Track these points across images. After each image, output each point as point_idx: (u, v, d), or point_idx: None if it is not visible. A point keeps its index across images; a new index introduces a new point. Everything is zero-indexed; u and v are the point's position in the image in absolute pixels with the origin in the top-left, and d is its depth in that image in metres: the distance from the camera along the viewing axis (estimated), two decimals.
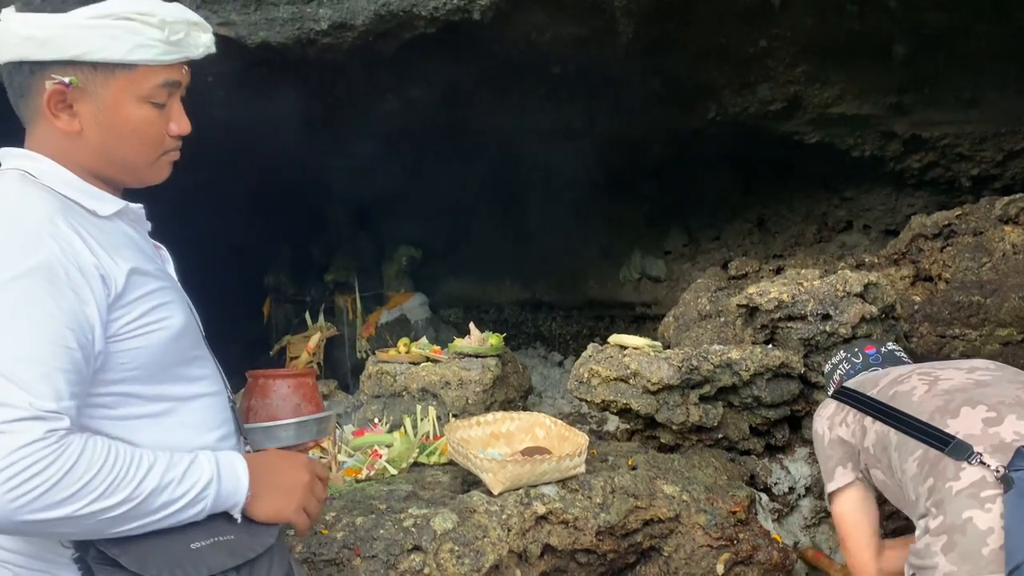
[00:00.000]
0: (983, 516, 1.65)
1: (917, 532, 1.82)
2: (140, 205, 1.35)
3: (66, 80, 1.17)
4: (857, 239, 5.34)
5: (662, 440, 2.91)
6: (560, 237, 6.55)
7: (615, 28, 3.67)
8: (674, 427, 2.83)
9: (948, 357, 3.97)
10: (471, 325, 3.46)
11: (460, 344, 3.34)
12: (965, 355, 3.94)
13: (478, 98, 4.56)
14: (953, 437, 1.79)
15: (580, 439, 2.54)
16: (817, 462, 2.37)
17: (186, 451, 1.21)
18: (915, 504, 1.86)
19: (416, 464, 2.74)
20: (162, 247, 1.44)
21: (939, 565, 1.68)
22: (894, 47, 3.84)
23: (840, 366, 2.48)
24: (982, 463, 1.71)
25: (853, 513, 2.13)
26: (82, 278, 1.13)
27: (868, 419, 2.07)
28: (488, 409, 3.19)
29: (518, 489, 2.39)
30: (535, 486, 2.42)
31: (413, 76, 4.15)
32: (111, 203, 1.26)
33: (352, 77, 3.94)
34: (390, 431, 2.91)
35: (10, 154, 1.26)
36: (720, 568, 2.55)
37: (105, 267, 1.17)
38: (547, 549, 2.36)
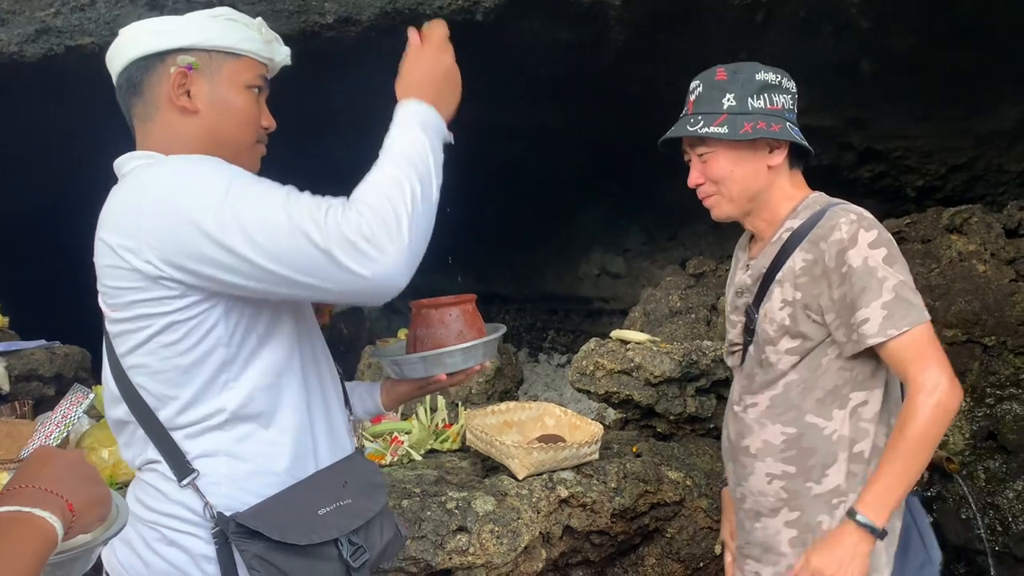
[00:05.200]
0: None
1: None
2: None
3: (190, 61, 1.35)
4: None
5: (658, 429, 3.10)
6: (520, 232, 6.71)
7: (608, 36, 3.84)
8: (671, 417, 3.02)
9: None
10: None
11: None
12: None
13: (462, 95, 4.65)
14: None
15: (594, 428, 2.70)
16: None
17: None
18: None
19: (431, 451, 2.85)
20: None
21: None
22: (861, 65, 4.12)
23: (786, 98, 1.83)
24: None
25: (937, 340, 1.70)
26: None
27: None
28: (489, 399, 3.32)
29: (540, 474, 2.53)
30: (554, 471, 2.57)
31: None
32: None
33: (348, 71, 3.99)
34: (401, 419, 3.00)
35: (132, 157, 1.38)
36: (718, 548, 2.74)
37: None
38: (567, 531, 2.52)
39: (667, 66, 4.13)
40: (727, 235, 6.05)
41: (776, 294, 1.76)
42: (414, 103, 1.33)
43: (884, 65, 4.10)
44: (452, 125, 1.40)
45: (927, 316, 1.65)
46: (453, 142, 1.37)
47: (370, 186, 1.21)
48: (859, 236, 1.64)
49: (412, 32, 1.40)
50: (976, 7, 3.59)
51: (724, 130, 1.73)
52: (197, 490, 1.26)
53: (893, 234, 4.44)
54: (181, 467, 1.26)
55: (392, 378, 1.66)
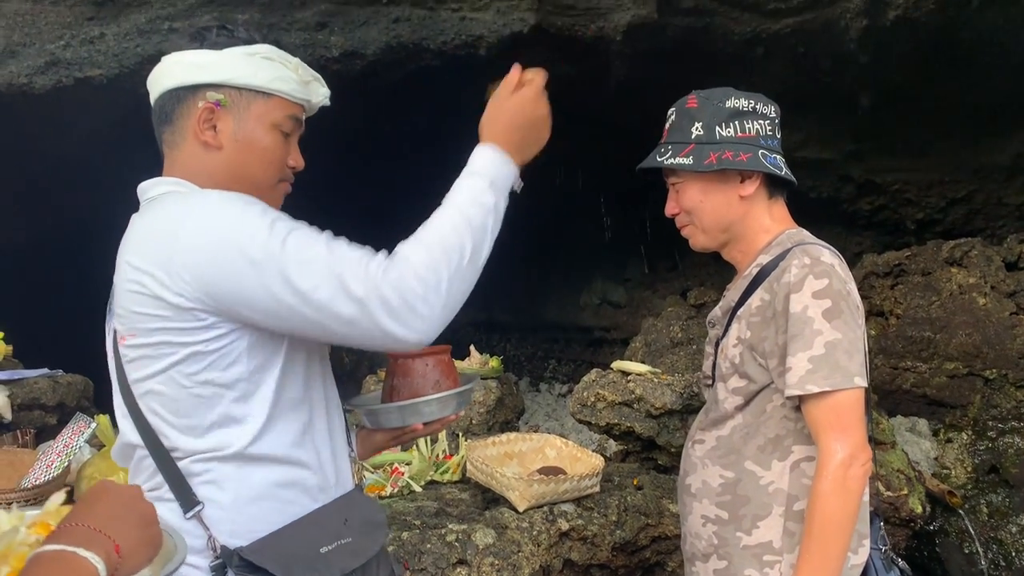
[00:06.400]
0: None
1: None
2: None
3: (218, 97, 1.35)
4: None
5: (659, 461, 3.10)
6: (521, 260, 6.73)
7: (608, 70, 3.89)
8: (672, 450, 3.02)
9: (900, 388, 4.29)
10: (471, 348, 3.58)
11: (461, 366, 3.45)
12: (915, 386, 4.27)
13: (466, 127, 4.70)
14: None
15: (595, 460, 2.69)
16: None
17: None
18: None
19: (431, 482, 2.84)
20: None
21: None
22: (859, 99, 4.17)
23: (762, 124, 1.73)
24: None
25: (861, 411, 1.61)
26: None
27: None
28: (490, 429, 3.32)
29: (541, 507, 2.53)
30: (555, 504, 2.57)
31: (407, 103, 4.28)
32: None
33: (352, 102, 4.04)
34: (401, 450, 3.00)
35: (160, 183, 1.39)
36: None
37: None
38: (567, 564, 2.51)
39: (667, 99, 4.17)
40: (728, 265, 6.07)
41: (733, 330, 1.69)
42: (492, 151, 1.34)
43: (883, 99, 4.15)
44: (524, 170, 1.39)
45: (857, 383, 1.54)
46: (519, 190, 1.36)
47: (420, 245, 1.22)
48: (806, 282, 1.56)
49: (516, 68, 1.39)
50: (973, 43, 3.64)
51: (689, 161, 1.67)
52: (201, 522, 1.25)
53: (893, 266, 4.51)
54: (186, 497, 1.26)
55: (367, 428, 1.64)
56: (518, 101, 1.38)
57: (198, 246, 1.19)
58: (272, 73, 1.37)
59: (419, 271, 1.18)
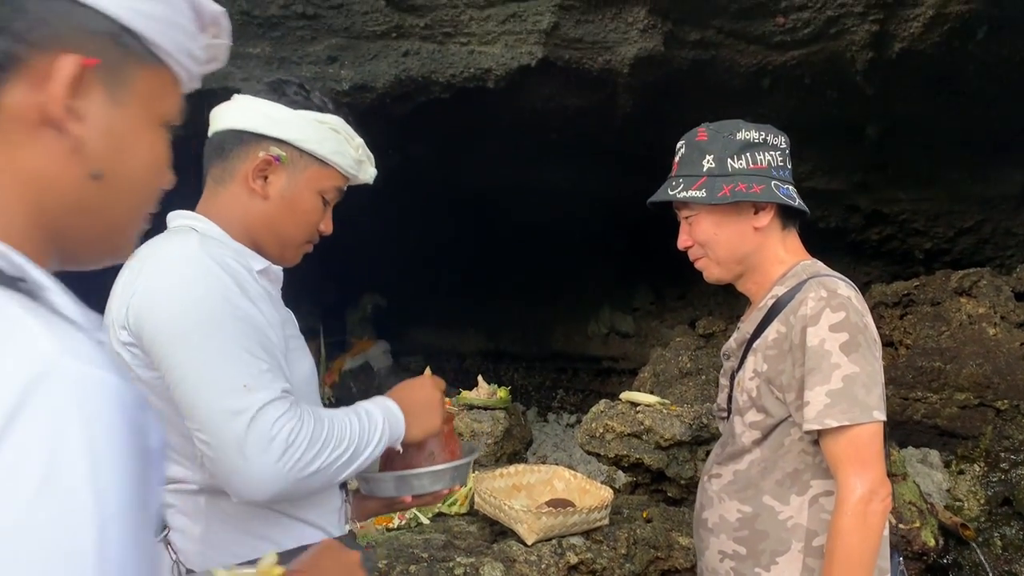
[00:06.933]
0: None
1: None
2: (280, 267, 1.51)
3: (280, 154, 1.40)
4: None
5: (668, 493, 3.08)
6: (529, 290, 6.73)
7: (615, 102, 3.92)
8: (682, 481, 2.99)
9: (911, 419, 4.26)
10: (479, 378, 3.57)
11: (469, 396, 3.45)
12: (926, 417, 4.25)
13: (472, 157, 4.74)
14: None
15: (604, 492, 2.67)
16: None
17: None
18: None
19: (439, 514, 2.83)
20: (288, 310, 1.58)
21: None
22: (866, 130, 4.19)
23: (773, 155, 1.72)
24: None
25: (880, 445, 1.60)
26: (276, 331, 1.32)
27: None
28: (498, 461, 3.30)
29: (550, 539, 2.51)
30: (563, 537, 2.55)
31: (415, 134, 4.31)
32: (259, 261, 1.44)
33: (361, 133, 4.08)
34: None
35: (179, 215, 1.43)
36: None
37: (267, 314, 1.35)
38: None
39: (674, 129, 4.20)
40: (737, 295, 6.05)
41: (749, 363, 1.68)
42: (396, 407, 1.42)
43: (889, 129, 4.17)
44: None
45: (875, 416, 1.53)
46: (400, 451, 1.45)
47: (324, 424, 1.25)
48: (823, 315, 1.55)
49: (428, 370, 1.58)
50: (978, 75, 3.66)
51: (702, 194, 1.66)
52: (168, 544, 1.27)
53: (902, 296, 4.50)
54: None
55: (361, 493, 1.64)
56: (424, 387, 1.49)
57: (148, 289, 1.23)
58: (335, 146, 1.42)
59: (314, 440, 1.21)
